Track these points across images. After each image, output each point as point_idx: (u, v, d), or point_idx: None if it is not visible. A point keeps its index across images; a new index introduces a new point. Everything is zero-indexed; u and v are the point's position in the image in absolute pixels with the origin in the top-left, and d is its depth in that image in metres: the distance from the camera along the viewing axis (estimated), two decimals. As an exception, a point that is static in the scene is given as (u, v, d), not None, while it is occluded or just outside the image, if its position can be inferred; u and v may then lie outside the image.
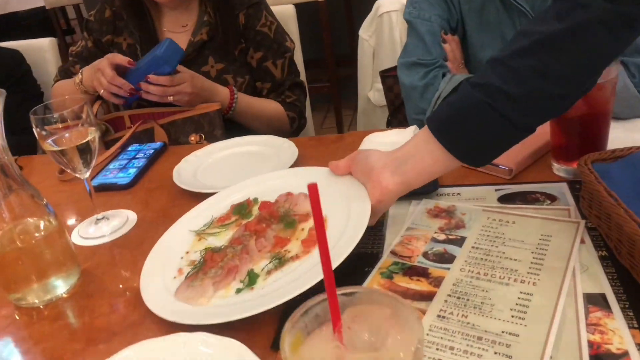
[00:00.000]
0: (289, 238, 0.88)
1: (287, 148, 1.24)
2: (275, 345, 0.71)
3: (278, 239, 0.88)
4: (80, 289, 0.91)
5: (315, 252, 0.82)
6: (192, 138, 1.48)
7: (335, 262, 0.75)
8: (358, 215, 0.84)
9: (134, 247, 1.00)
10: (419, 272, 0.78)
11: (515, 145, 0.80)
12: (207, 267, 0.84)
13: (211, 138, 1.47)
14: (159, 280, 0.86)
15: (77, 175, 1.02)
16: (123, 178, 1.25)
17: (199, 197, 1.08)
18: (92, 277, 0.94)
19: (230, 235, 0.93)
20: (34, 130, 0.98)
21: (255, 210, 0.98)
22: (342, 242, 0.80)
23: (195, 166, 1.25)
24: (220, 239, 0.93)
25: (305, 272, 0.78)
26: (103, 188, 1.23)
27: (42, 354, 0.78)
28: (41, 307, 0.87)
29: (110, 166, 1.33)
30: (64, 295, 0.89)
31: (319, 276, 0.74)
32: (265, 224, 0.91)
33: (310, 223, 0.90)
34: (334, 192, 0.94)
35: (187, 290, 0.81)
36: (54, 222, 0.89)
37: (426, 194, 0.97)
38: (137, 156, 1.36)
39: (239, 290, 0.80)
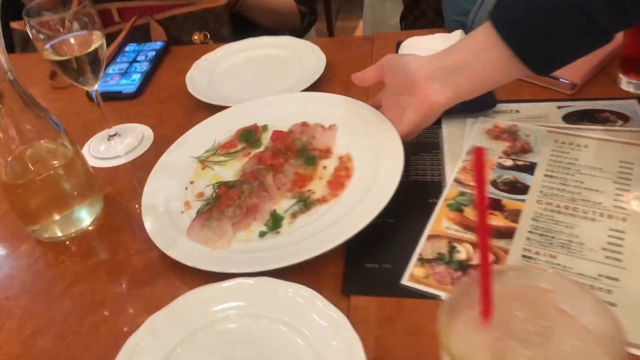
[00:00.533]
0: (311, 176, 0.79)
1: (311, 53, 1.11)
2: (348, 289, 0.65)
3: (298, 177, 0.79)
4: (107, 220, 0.82)
5: (345, 197, 0.74)
6: (196, 37, 1.31)
7: (373, 213, 0.69)
8: (389, 154, 0.76)
9: (156, 170, 0.90)
10: (491, 205, 0.72)
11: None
12: (223, 204, 0.75)
13: (217, 38, 1.31)
14: (164, 215, 0.77)
15: (84, 87, 0.89)
16: (128, 86, 1.11)
17: (218, 109, 0.96)
18: (116, 206, 0.84)
19: (240, 167, 0.83)
20: (28, 32, 0.83)
21: (265, 140, 0.88)
22: (377, 188, 0.72)
23: (209, 73, 1.12)
24: (228, 170, 0.84)
25: (339, 219, 0.70)
26: (106, 97, 1.09)
27: (81, 297, 0.71)
28: (67, 242, 0.79)
29: (110, 70, 1.18)
30: (90, 228, 0.80)
31: (359, 223, 0.67)
32: (282, 158, 0.81)
33: (333, 161, 0.81)
34: (356, 125, 0.85)
35: (202, 231, 0.72)
36: (68, 144, 0.78)
37: (482, 111, 0.88)
38: (137, 59, 1.21)
39: (262, 234, 0.72)
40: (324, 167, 0.80)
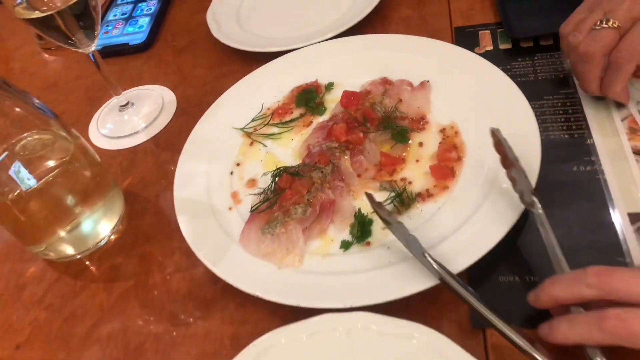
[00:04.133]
0: (403, 158, 0.57)
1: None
2: (479, 320, 0.45)
3: (386, 159, 0.57)
4: (131, 225, 0.62)
5: (459, 190, 0.52)
6: None
7: (512, 214, 0.47)
8: (513, 116, 0.54)
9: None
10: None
11: None
12: (287, 200, 0.54)
13: None
14: (207, 213, 0.57)
15: (77, 50, 0.66)
16: (135, 35, 0.88)
17: (257, 58, 0.73)
18: (141, 203, 0.64)
19: (301, 142, 0.62)
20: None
21: (332, 103, 0.65)
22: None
23: (236, 6, 0.87)
24: (284, 147, 0.63)
25: (460, 225, 0.48)
26: (110, 53, 0.87)
27: (111, 342, 0.52)
28: (85, 261, 0.60)
29: (110, 16, 0.94)
30: (112, 238, 0.61)
31: (494, 232, 0.46)
32: (360, 131, 0.58)
33: (430, 135, 0.58)
34: (459, 80, 0.61)
35: (262, 241, 0.52)
36: (65, 133, 0.57)
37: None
38: (142, -3, 0.97)
39: (347, 245, 0.51)
40: (420, 145, 0.58)
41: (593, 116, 0.56)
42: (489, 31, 0.70)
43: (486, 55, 0.66)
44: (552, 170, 0.52)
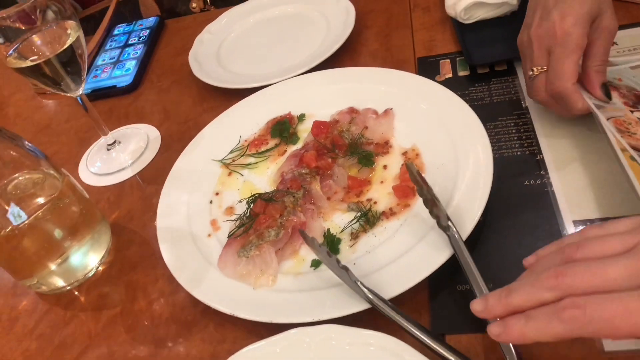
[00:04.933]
0: (369, 180, 0.61)
1: (334, 3, 0.90)
2: (439, 326, 0.48)
3: (353, 182, 0.61)
4: (118, 256, 0.66)
5: (420, 207, 0.55)
6: (194, 4, 1.11)
7: (467, 225, 0.51)
8: (467, 137, 0.59)
9: (170, 180, 0.73)
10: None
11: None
12: (261, 224, 0.57)
13: (219, 3, 1.10)
14: (187, 241, 0.61)
15: (66, 94, 0.71)
16: (122, 77, 0.93)
17: (235, 94, 0.78)
18: (127, 235, 0.68)
19: (276, 170, 0.66)
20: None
21: (304, 133, 0.70)
22: (463, 189, 0.55)
23: (216, 47, 0.92)
24: (260, 175, 0.67)
25: (420, 239, 0.52)
26: (98, 95, 0.92)
27: (99, 367, 0.55)
28: (75, 292, 0.63)
29: (99, 61, 1.00)
30: (100, 269, 0.65)
31: (443, 252, 0.49)
32: (329, 158, 0.63)
33: (394, 158, 0.62)
34: (418, 106, 0.66)
35: (238, 263, 0.56)
36: (54, 172, 0.61)
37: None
38: (129, 42, 1.02)
39: (317, 264, 0.54)
40: (385, 167, 0.62)
41: (542, 133, 0.60)
42: (448, 60, 0.75)
43: (446, 82, 0.71)
44: (506, 185, 0.56)
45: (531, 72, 0.56)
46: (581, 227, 0.50)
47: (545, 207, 0.53)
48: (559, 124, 0.60)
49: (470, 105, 0.62)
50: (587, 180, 0.54)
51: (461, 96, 0.66)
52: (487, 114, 0.63)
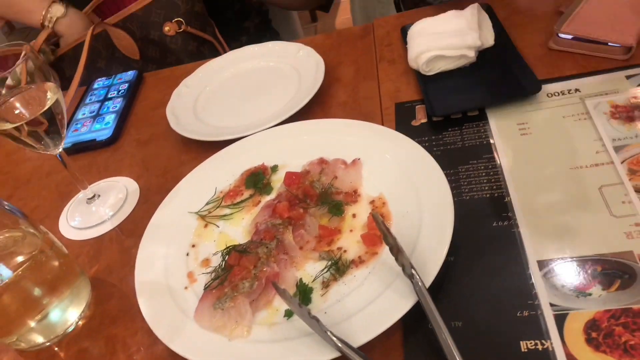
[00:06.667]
0: (339, 229, 0.64)
1: (305, 57, 0.95)
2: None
3: (324, 231, 0.64)
4: (97, 310, 0.67)
5: (384, 253, 0.59)
6: (167, 28, 1.13)
7: (430, 273, 0.54)
8: (430, 186, 0.62)
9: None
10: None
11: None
12: (235, 276, 0.60)
13: (193, 19, 1.14)
14: (164, 294, 0.63)
15: (45, 152, 0.73)
16: (102, 131, 0.96)
17: (212, 146, 0.82)
18: (106, 289, 0.70)
19: (250, 221, 0.69)
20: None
21: (277, 183, 0.73)
22: (427, 236, 0.58)
23: (192, 101, 0.96)
24: (235, 226, 0.69)
25: (387, 286, 0.55)
26: (78, 149, 0.95)
27: None
28: (54, 348, 0.64)
29: (79, 115, 1.03)
30: (80, 324, 0.66)
31: (410, 298, 0.52)
32: (301, 208, 0.66)
33: (362, 206, 0.66)
34: (384, 156, 0.70)
35: (214, 315, 0.58)
36: (33, 230, 0.63)
37: (525, 97, 0.73)
38: (108, 95, 1.06)
39: (290, 314, 0.57)
40: (354, 216, 0.65)
41: (510, 176, 0.64)
42: (423, 106, 0.78)
43: (421, 126, 0.75)
44: (475, 226, 0.60)
45: None
46: (544, 269, 0.53)
47: (511, 247, 0.57)
48: (526, 167, 0.64)
49: (443, 149, 0.66)
50: (551, 222, 0.58)
51: (435, 140, 0.71)
52: (459, 157, 0.68)
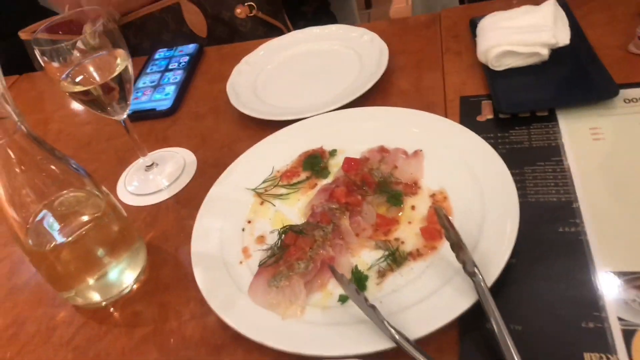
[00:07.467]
0: (397, 219, 0.63)
1: (368, 42, 0.94)
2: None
3: (381, 220, 0.63)
4: (152, 275, 0.69)
5: (443, 248, 0.58)
6: (239, 10, 1.14)
7: (493, 272, 0.53)
8: (495, 185, 0.61)
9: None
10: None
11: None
12: (291, 256, 0.60)
13: (265, 6, 1.14)
14: (220, 266, 0.63)
15: (112, 117, 0.75)
16: (162, 101, 0.98)
17: (269, 125, 0.82)
18: (162, 255, 0.71)
19: (306, 202, 0.69)
20: (39, 60, 0.70)
21: (334, 167, 0.72)
22: (489, 235, 0.57)
23: (253, 78, 0.97)
24: (291, 206, 0.69)
25: (445, 282, 0.54)
26: (138, 117, 0.96)
27: (130, 384, 0.58)
28: (110, 308, 0.66)
29: (140, 84, 1.04)
30: (135, 287, 0.68)
31: (469, 296, 0.51)
32: (359, 194, 0.65)
33: (422, 199, 0.65)
34: (447, 150, 0.68)
35: (268, 292, 0.58)
36: (96, 191, 0.65)
37: (602, 101, 0.70)
38: (169, 67, 1.07)
39: (344, 299, 0.57)
40: (413, 208, 0.64)
41: (580, 182, 0.62)
42: (490, 101, 0.77)
43: (487, 123, 0.73)
44: (540, 230, 0.58)
45: None
46: (614, 281, 0.52)
47: (577, 255, 0.55)
48: (598, 173, 0.62)
49: (509, 148, 0.64)
50: (623, 233, 0.56)
51: (500, 138, 0.69)
52: (525, 157, 0.66)
